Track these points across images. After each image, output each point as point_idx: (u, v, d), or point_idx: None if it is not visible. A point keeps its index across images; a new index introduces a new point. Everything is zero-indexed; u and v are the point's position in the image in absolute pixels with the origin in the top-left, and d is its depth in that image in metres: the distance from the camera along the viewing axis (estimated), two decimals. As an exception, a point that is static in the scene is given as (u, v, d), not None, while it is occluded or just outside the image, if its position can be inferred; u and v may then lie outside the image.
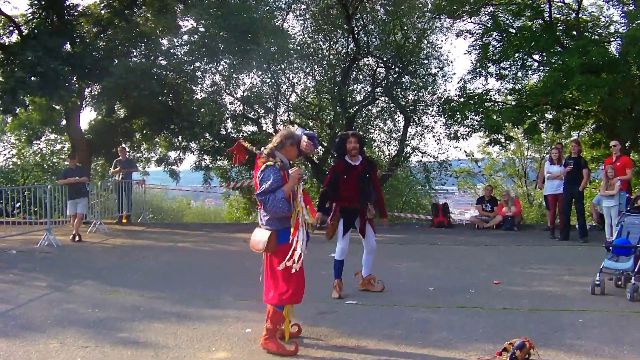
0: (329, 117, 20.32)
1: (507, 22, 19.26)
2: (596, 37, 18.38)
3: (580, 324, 6.98)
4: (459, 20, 20.20)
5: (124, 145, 20.01)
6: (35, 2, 18.72)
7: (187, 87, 19.70)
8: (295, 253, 6.05)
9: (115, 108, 21.87)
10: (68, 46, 19.02)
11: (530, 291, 8.81)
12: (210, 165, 21.75)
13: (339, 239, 8.53)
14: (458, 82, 20.07)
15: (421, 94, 20.23)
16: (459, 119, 18.68)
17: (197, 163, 21.31)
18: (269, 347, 6.12)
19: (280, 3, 20.11)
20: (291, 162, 6.62)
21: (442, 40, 51.38)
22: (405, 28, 19.87)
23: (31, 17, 19.08)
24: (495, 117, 17.87)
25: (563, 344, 6.23)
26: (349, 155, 8.50)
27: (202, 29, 18.85)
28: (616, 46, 18.21)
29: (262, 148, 6.54)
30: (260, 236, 6.21)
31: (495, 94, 19.69)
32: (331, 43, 20.63)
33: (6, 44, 18.68)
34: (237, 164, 7.32)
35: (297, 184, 6.20)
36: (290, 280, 6.11)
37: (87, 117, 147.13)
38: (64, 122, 21.74)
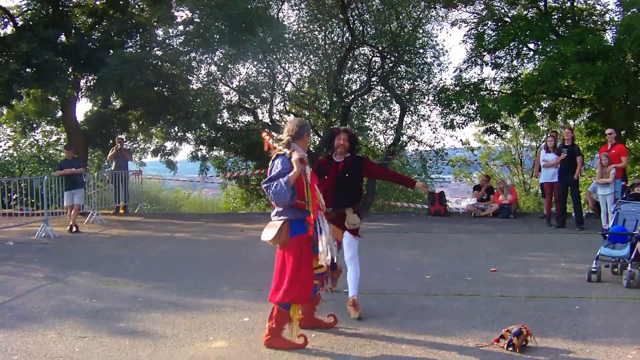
0: (324, 107, 20.30)
1: (502, 10, 19.26)
2: (591, 25, 18.37)
3: (577, 311, 7.01)
4: (454, 10, 20.16)
5: (121, 136, 19.99)
6: (30, -7, 18.66)
7: (183, 78, 19.63)
8: (323, 244, 5.92)
9: (111, 99, 21.80)
10: (63, 37, 18.95)
11: (527, 278, 8.85)
12: (207, 156, 21.73)
13: None
14: (454, 71, 20.10)
15: (417, 83, 20.21)
16: (455, 107, 18.69)
17: (193, 153, 21.29)
18: (275, 345, 5.94)
19: (276, -7, 20.10)
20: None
21: (437, 30, 50.81)
22: (401, 17, 19.83)
23: (26, 8, 18.98)
24: (491, 106, 17.86)
25: (560, 331, 6.26)
26: (335, 152, 7.28)
27: (198, 19, 18.81)
28: (611, 35, 18.24)
29: (275, 135, 6.43)
30: (271, 227, 5.96)
31: (490, 82, 19.72)
32: (326, 32, 20.58)
33: (1, 35, 18.59)
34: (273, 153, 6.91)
35: (304, 168, 5.93)
36: (297, 279, 5.90)
37: (83, 108, 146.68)
38: (59, 113, 21.67)
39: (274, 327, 5.99)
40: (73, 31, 19.30)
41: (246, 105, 21.14)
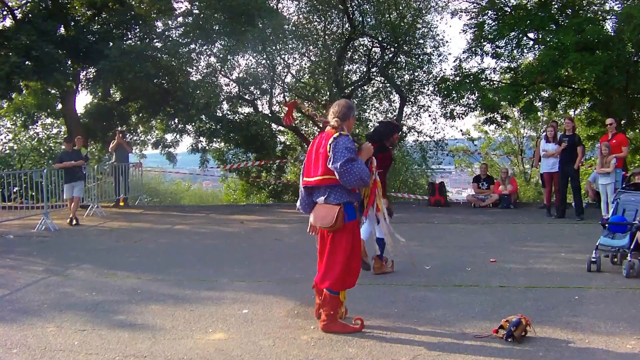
0: (324, 98, 20.30)
1: (502, 0, 19.19)
2: (591, 15, 18.32)
3: (576, 301, 7.00)
4: None
5: (121, 128, 19.98)
6: (29, -15, 18.63)
7: (183, 69, 19.63)
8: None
9: (111, 91, 21.80)
10: (62, 29, 18.94)
11: (526, 269, 8.83)
12: (207, 148, 21.75)
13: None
14: (454, 62, 20.06)
15: (417, 74, 20.24)
16: (455, 98, 18.68)
17: (193, 145, 21.30)
18: (332, 330, 5.99)
19: (275, -16, 20.08)
20: None
21: (437, 20, 51.04)
22: (401, 7, 19.81)
23: (25, 0, 18.97)
24: (491, 96, 17.85)
25: (559, 321, 6.25)
26: (388, 144, 8.28)
27: (197, 11, 18.79)
28: (611, 24, 18.20)
29: (322, 116, 6.36)
30: (327, 212, 5.89)
31: (490, 72, 19.70)
32: (326, 23, 20.58)
33: (0, 28, 18.57)
34: (287, 123, 6.97)
35: (370, 157, 6.01)
36: (349, 266, 5.95)
37: (83, 100, 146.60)
38: (59, 106, 21.67)
39: (331, 314, 6.02)
40: (72, 23, 19.29)
41: (246, 97, 21.14)
